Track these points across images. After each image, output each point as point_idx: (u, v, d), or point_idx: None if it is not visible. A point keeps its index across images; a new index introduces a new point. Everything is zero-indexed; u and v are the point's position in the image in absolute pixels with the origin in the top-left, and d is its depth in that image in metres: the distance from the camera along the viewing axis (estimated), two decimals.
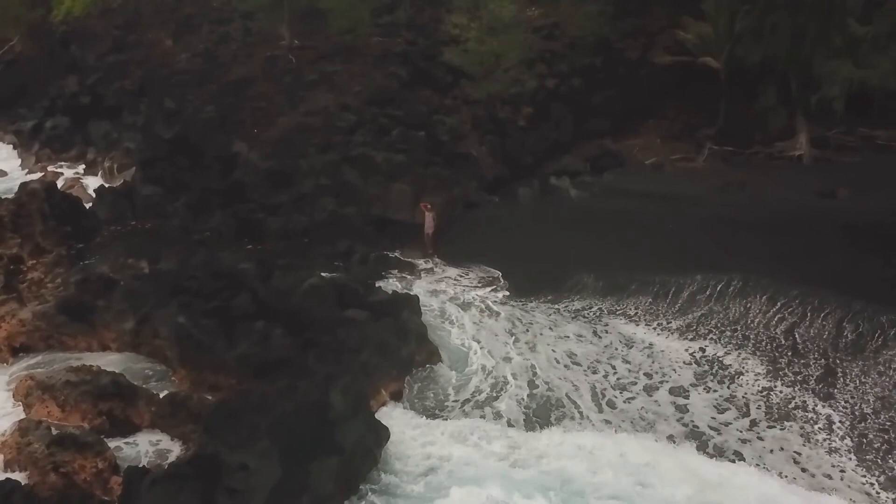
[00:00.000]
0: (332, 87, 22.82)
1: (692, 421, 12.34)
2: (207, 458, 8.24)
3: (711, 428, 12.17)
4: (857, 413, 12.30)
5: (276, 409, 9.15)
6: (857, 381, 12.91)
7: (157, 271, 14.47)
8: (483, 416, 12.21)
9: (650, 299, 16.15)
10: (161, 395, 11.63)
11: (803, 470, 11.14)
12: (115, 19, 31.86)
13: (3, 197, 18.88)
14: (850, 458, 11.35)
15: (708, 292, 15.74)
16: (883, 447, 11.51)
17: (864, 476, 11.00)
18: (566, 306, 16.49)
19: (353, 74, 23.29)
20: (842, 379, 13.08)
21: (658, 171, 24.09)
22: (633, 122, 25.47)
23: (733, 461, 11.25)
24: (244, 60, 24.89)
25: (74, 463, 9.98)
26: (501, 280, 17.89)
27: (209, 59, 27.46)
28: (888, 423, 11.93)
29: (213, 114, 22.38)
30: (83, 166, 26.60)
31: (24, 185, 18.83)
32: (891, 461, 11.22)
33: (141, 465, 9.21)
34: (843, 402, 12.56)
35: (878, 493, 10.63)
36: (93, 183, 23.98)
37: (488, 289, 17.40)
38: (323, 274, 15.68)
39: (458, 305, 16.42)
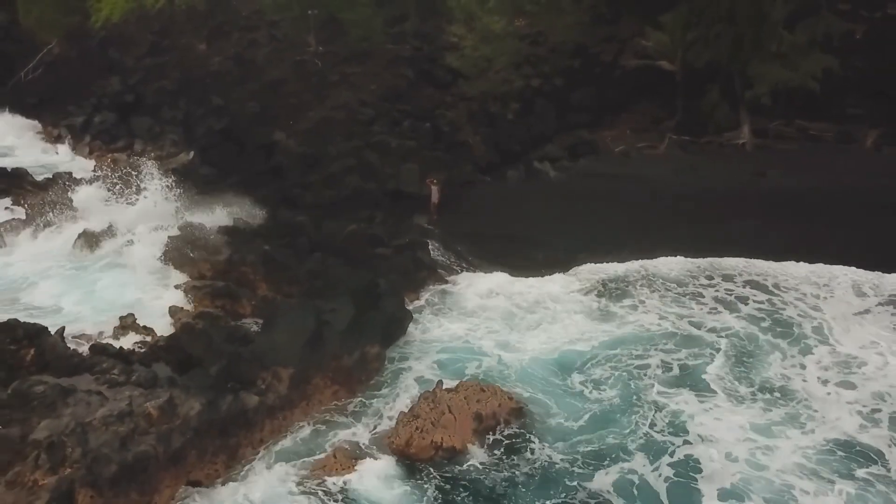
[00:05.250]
0: (351, 86, 30.21)
1: None
2: (310, 305, 15.41)
3: None
4: None
5: (348, 282, 16.38)
6: None
7: (238, 221, 21.71)
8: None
9: None
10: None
11: None
12: (151, 26, 39.20)
13: None
14: None
15: None
16: None
17: None
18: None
19: (369, 75, 30.69)
20: None
21: (626, 157, 31.23)
22: (607, 116, 32.72)
23: None
24: (277, 64, 32.28)
25: None
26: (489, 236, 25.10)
27: (240, 62, 34.86)
28: None
29: (255, 109, 29.68)
30: (132, 156, 33.90)
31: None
32: None
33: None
34: None
35: None
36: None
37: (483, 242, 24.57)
38: None
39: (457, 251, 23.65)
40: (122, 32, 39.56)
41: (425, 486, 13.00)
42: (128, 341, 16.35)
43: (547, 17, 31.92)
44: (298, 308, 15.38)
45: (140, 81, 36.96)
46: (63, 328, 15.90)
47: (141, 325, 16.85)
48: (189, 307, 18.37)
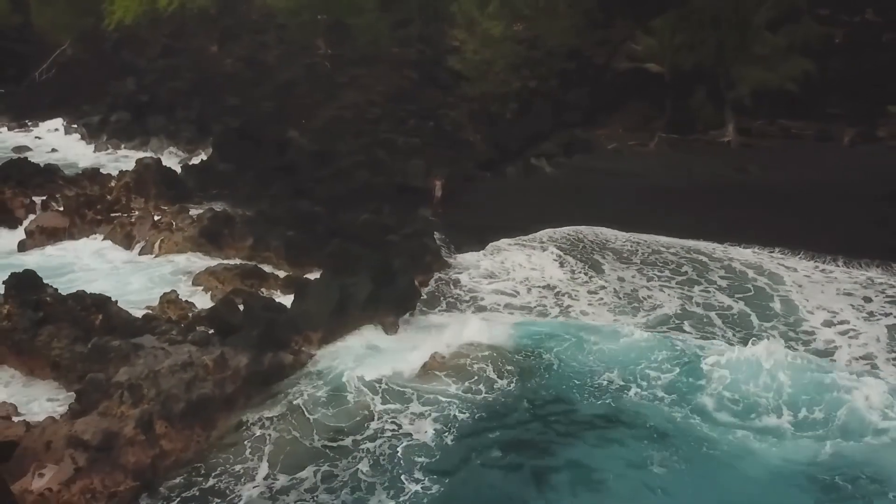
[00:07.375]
0: (359, 88, 33.26)
1: None
2: (335, 279, 18.42)
3: None
4: None
5: (366, 261, 19.41)
6: None
7: (260, 211, 24.70)
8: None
9: None
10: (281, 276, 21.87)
11: None
12: (163, 28, 42.12)
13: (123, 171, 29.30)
14: None
15: None
16: None
17: None
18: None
19: (376, 77, 33.75)
20: None
21: (618, 154, 34.26)
22: (600, 115, 35.75)
23: None
24: (288, 66, 35.30)
25: None
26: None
27: (250, 64, 37.87)
28: None
29: (269, 108, 32.69)
30: (149, 153, 36.85)
31: (140, 161, 29.12)
32: None
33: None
34: None
35: None
36: None
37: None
38: None
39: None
40: (135, 34, 42.40)
41: None
42: (172, 315, 19.25)
43: (543, 22, 34.84)
44: (325, 282, 18.39)
45: (154, 82, 39.89)
46: (116, 301, 18.84)
47: (182, 300, 19.76)
48: (222, 286, 21.32)
